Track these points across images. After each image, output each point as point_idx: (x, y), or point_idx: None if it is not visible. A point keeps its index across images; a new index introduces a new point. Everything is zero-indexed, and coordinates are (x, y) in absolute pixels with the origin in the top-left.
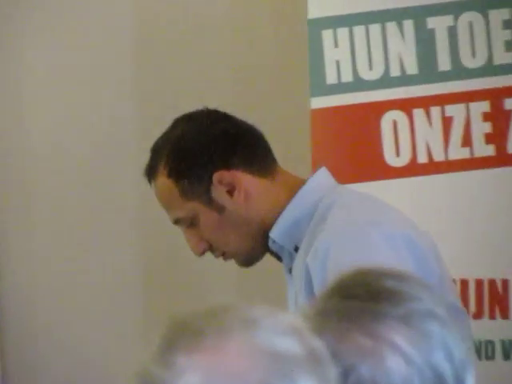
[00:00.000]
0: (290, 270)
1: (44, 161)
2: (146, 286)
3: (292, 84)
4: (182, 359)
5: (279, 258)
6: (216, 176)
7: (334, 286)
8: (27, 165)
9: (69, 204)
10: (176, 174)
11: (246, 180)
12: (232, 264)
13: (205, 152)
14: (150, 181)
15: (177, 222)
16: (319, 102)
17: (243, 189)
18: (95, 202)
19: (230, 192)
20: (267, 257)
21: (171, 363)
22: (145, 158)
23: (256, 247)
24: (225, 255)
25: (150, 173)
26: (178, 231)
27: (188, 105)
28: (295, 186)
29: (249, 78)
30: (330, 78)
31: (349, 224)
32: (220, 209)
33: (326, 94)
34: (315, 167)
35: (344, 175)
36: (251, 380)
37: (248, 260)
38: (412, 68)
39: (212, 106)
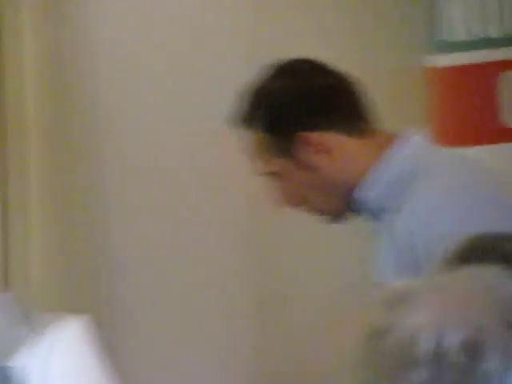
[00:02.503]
0: (380, 231)
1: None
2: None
3: (405, 40)
4: None
5: (365, 217)
6: (302, 136)
7: (459, 252)
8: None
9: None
10: (271, 129)
11: (334, 140)
12: None
13: (296, 111)
14: (241, 127)
15: (265, 174)
16: (435, 60)
17: (332, 150)
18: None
19: (319, 152)
20: None
21: None
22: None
23: (344, 207)
24: (313, 212)
25: (244, 121)
26: None
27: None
28: (388, 145)
29: (360, 34)
30: (448, 35)
31: (446, 189)
32: (308, 168)
33: (441, 52)
34: (429, 128)
35: (458, 137)
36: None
37: (335, 218)
38: None
39: (321, 59)
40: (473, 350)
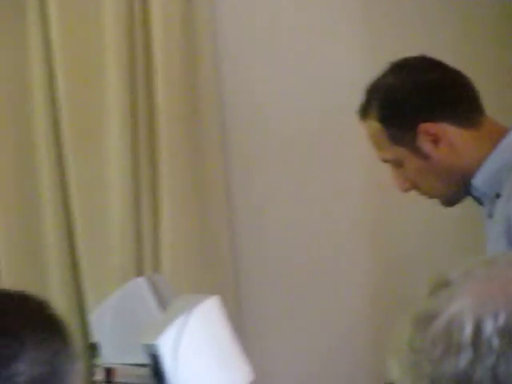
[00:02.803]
0: (491, 215)
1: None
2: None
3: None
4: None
5: (480, 202)
6: (421, 128)
7: None
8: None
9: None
10: (385, 121)
11: (450, 131)
12: None
13: (411, 104)
14: (362, 119)
15: (385, 161)
16: None
17: (447, 140)
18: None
19: (435, 142)
20: None
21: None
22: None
23: (457, 192)
24: (428, 196)
25: (364, 113)
26: None
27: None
28: (498, 136)
29: (467, 34)
30: None
31: None
32: (425, 157)
33: None
34: None
35: None
36: None
37: (449, 202)
38: None
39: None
40: (510, 335)
